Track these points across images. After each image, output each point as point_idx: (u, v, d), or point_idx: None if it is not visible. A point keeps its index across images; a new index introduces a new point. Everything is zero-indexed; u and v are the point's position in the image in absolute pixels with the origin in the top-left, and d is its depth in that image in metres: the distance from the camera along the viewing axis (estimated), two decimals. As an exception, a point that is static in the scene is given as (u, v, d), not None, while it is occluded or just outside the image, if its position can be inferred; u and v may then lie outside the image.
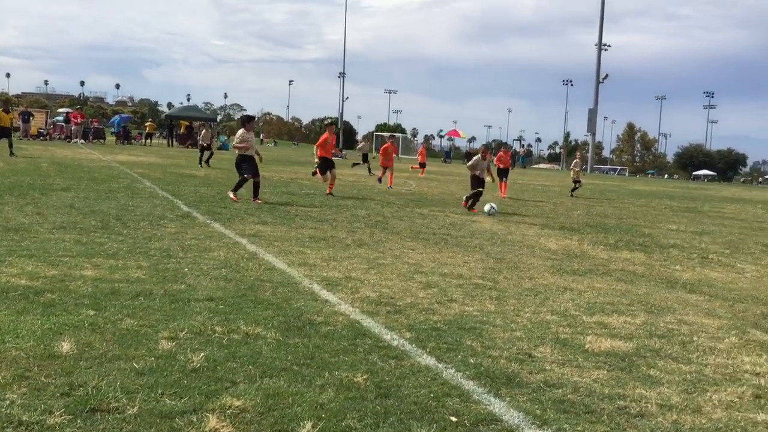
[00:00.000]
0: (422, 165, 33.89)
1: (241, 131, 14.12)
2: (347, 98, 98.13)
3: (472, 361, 4.41)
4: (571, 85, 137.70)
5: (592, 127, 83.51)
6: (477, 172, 15.55)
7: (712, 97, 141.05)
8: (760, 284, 8.15)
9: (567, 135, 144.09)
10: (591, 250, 10.12)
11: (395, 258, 8.18)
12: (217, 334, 4.54)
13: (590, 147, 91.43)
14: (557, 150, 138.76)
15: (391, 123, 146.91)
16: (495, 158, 22.37)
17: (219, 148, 51.61)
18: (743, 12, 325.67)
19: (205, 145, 26.64)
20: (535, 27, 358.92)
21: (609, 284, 7.48)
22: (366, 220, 11.98)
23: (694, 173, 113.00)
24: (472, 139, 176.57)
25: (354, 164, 30.42)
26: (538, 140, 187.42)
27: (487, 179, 16.03)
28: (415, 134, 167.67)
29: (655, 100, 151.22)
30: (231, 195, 13.59)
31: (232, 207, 12.34)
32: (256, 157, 13.96)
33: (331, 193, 16.39)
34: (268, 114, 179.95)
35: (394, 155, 22.96)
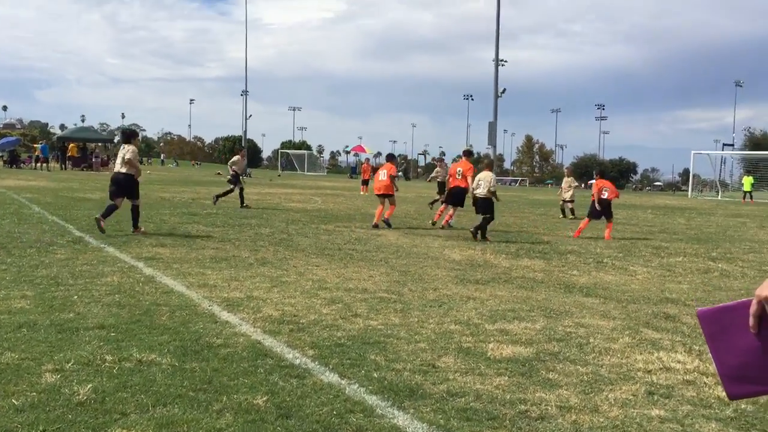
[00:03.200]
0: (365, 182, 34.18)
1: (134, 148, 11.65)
2: (251, 116, 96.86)
3: (375, 375, 4.36)
4: (472, 99, 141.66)
5: (492, 140, 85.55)
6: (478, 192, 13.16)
7: (603, 109, 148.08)
8: (651, 285, 8.53)
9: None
10: (494, 259, 10.32)
11: (299, 275, 8.06)
12: (107, 364, 4.29)
13: (492, 159, 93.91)
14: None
15: (297, 140, 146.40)
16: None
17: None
18: (629, 28, 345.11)
19: (241, 175, 19.94)
20: (435, 44, 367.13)
21: (510, 292, 7.62)
22: (270, 238, 11.78)
23: (589, 182, 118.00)
24: (378, 155, 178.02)
25: (432, 202, 20.97)
26: (443, 154, 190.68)
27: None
28: (321, 151, 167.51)
29: (551, 113, 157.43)
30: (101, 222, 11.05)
31: (129, 230, 11.86)
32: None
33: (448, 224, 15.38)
34: (169, 134, 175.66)
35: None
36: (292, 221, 15.33)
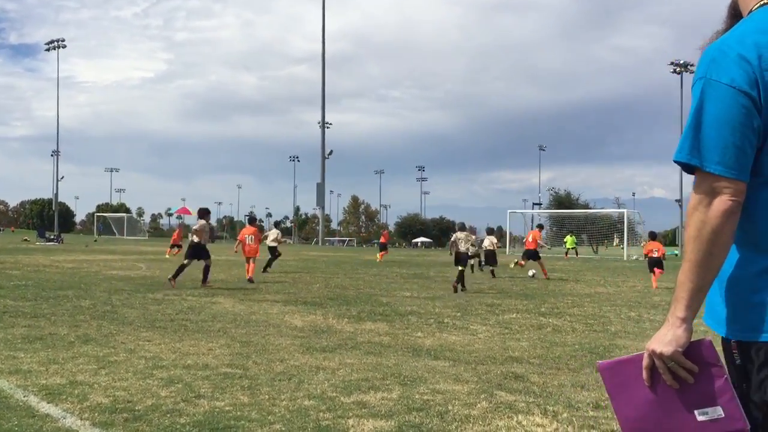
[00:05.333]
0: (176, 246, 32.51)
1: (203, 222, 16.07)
2: (62, 178, 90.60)
3: (231, 468, 3.89)
4: (298, 161, 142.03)
5: (320, 200, 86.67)
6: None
7: (424, 170, 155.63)
8: (493, 344, 8.66)
9: (297, 209, 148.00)
10: (336, 324, 10.06)
11: (129, 353, 7.30)
12: None
13: (320, 220, 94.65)
14: (288, 224, 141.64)
15: (114, 203, 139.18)
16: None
17: None
18: (443, 95, 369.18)
19: (277, 245, 22.22)
20: (260, 106, 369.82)
21: (359, 358, 7.38)
22: (91, 311, 10.72)
23: (413, 240, 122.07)
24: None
25: (481, 264, 22.85)
26: (269, 215, 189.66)
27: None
28: (141, 214, 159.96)
29: (375, 174, 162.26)
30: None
31: None
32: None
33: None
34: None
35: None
36: (115, 291, 14.17)
